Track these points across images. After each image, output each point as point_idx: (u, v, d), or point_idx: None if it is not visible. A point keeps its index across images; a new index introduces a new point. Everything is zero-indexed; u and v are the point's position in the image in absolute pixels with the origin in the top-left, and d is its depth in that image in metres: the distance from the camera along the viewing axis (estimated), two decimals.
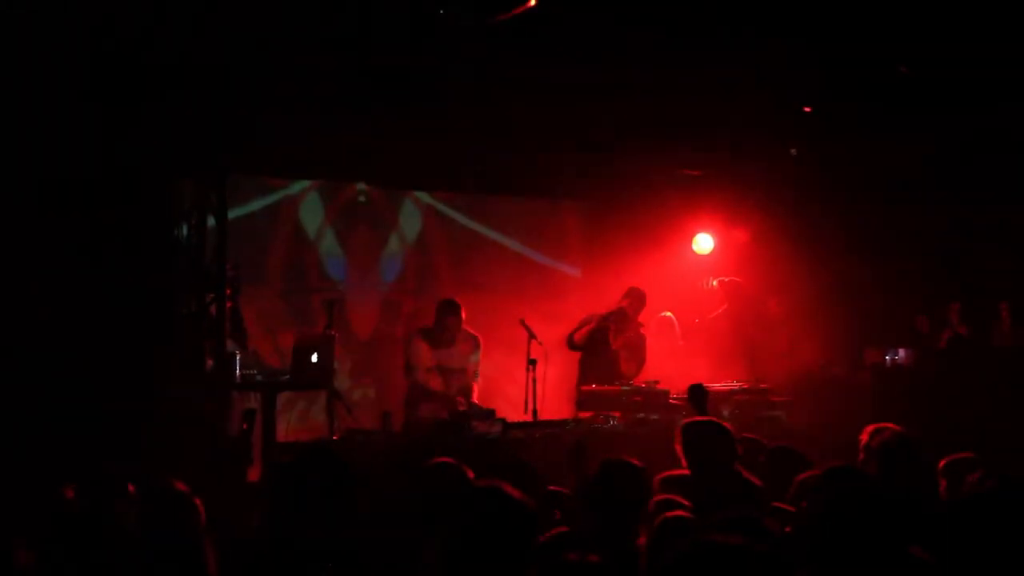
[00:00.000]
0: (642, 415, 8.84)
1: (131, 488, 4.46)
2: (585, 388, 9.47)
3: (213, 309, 7.97)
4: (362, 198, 10.92)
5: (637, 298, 9.95)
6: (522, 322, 9.35)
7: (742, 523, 3.51)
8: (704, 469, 5.24)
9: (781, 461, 5.59)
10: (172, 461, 7.09)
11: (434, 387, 8.93)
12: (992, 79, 8.74)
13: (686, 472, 5.38)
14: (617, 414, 8.82)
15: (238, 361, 8.15)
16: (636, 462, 4.72)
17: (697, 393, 7.06)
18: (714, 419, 5.75)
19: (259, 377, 8.46)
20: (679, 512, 4.25)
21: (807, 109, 9.74)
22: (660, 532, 3.97)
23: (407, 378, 9.03)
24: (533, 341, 9.10)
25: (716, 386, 9.39)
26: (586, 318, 9.94)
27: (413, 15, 7.14)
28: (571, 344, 9.95)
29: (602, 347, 9.77)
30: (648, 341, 10.14)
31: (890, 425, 5.51)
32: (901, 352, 10.68)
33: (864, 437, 5.66)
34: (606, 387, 9.32)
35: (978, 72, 8.62)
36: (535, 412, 8.87)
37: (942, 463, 5.24)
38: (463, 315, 8.98)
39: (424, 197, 11.26)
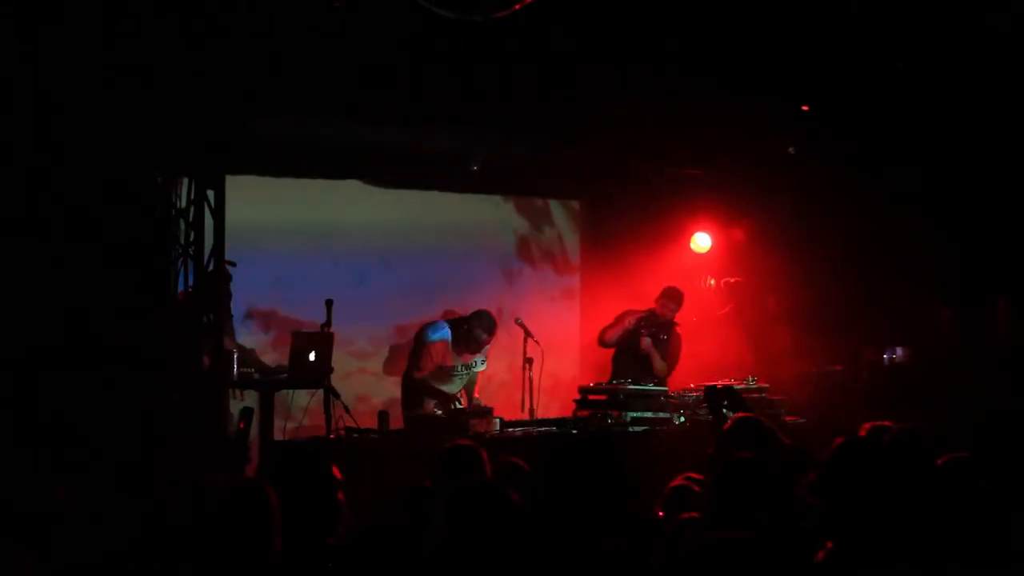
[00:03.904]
0: (640, 414, 8.84)
1: None
2: (583, 386, 9.47)
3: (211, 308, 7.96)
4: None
5: (672, 298, 9.88)
6: (518, 321, 9.37)
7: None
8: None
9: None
10: (169, 460, 7.09)
11: (437, 385, 8.92)
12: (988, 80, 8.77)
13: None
14: (615, 413, 8.82)
15: (236, 359, 8.15)
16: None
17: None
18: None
19: (256, 375, 8.46)
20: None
21: (805, 108, 9.76)
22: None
23: (412, 373, 8.98)
24: (530, 340, 9.11)
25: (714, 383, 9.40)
26: (620, 315, 9.90)
27: (410, 11, 7.13)
28: (602, 341, 9.93)
29: (634, 347, 9.74)
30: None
31: (887, 423, 5.52)
32: (899, 351, 10.69)
33: (862, 435, 5.66)
34: (604, 385, 9.32)
35: (973, 73, 8.64)
36: (532, 411, 8.89)
37: (939, 462, 5.24)
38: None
39: (419, 194, 11.24)
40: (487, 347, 9.10)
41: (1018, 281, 10.16)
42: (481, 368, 9.18)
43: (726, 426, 5.16)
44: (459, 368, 9.00)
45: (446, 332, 9.00)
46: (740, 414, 5.66)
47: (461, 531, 3.45)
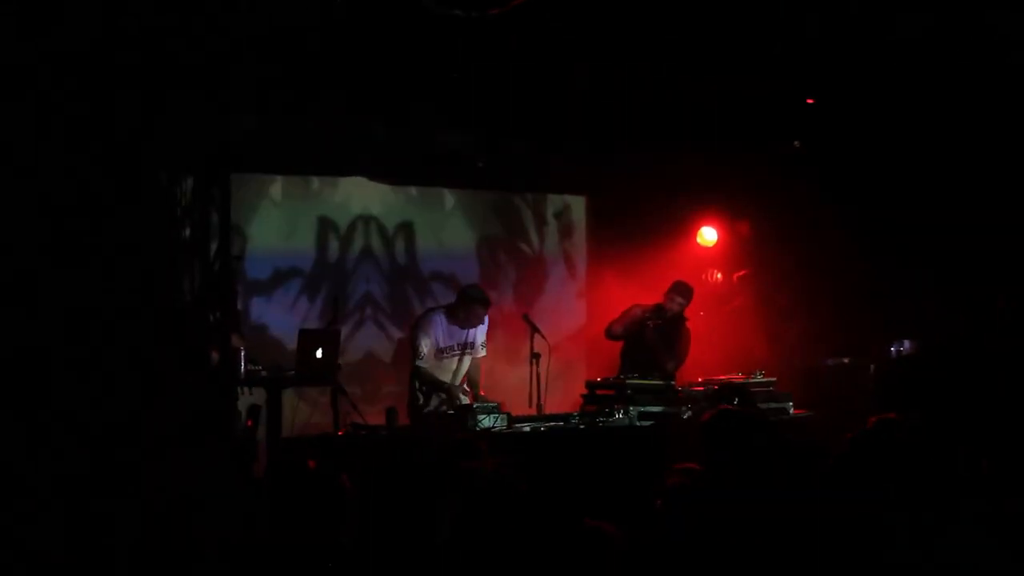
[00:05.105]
0: (647, 409, 8.82)
1: None
2: (590, 381, 9.46)
3: (218, 306, 7.98)
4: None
5: (680, 293, 9.83)
6: (525, 317, 9.36)
7: None
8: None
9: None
10: (177, 458, 7.11)
11: (440, 375, 8.89)
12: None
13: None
14: (622, 408, 8.81)
15: (243, 357, 8.17)
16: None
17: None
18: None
19: (263, 373, 8.47)
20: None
21: (810, 101, 9.76)
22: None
23: (416, 360, 8.90)
24: (537, 335, 9.10)
25: (721, 377, 9.39)
26: (628, 309, 9.88)
27: (415, 9, 7.15)
28: (609, 334, 9.90)
29: (642, 341, 9.72)
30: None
31: (893, 415, 5.50)
32: (907, 343, 10.66)
33: (869, 427, 5.65)
34: (611, 380, 9.31)
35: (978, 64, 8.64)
36: (540, 406, 8.88)
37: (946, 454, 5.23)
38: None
39: (424, 190, 11.25)
40: (484, 324, 9.07)
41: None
42: (482, 354, 9.16)
43: (703, 418, 5.11)
44: (456, 348, 8.98)
45: (440, 312, 9.01)
46: (720, 407, 5.62)
47: (473, 523, 3.47)
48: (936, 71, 8.98)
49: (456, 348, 8.96)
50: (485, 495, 3.54)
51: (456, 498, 3.56)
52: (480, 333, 9.10)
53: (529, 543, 3.34)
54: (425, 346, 8.80)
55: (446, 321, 8.91)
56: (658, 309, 9.76)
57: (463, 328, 8.93)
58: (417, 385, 8.85)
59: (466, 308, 8.89)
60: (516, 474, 3.59)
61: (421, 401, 8.75)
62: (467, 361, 9.05)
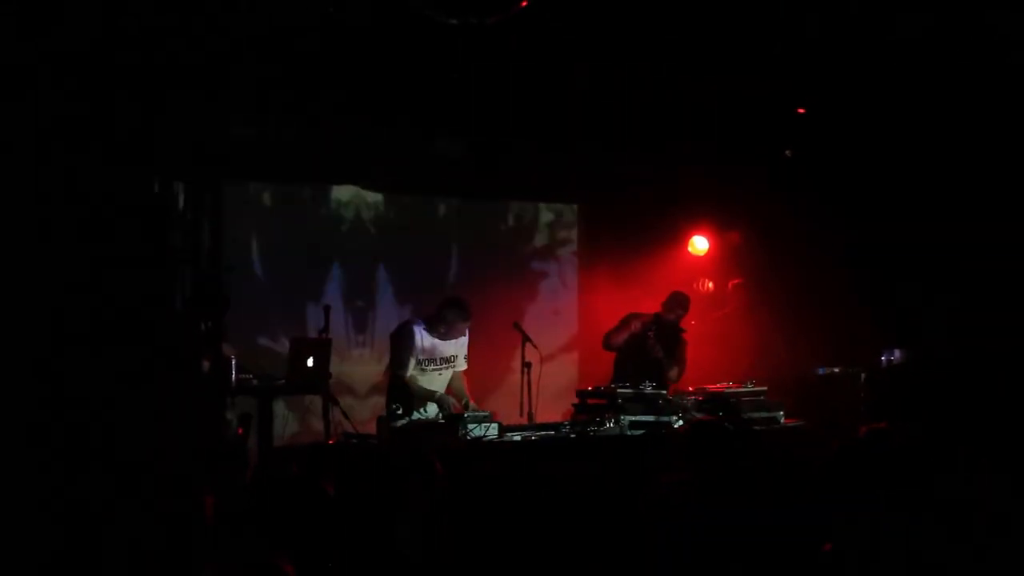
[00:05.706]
0: (638, 417, 8.82)
1: None
2: (581, 390, 9.45)
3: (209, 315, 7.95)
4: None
5: (678, 303, 9.86)
6: (516, 325, 9.35)
7: None
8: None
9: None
10: (168, 466, 7.08)
11: (421, 384, 8.81)
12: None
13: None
14: (613, 416, 8.80)
15: (234, 365, 8.15)
16: None
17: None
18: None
19: (255, 381, 8.45)
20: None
21: (801, 111, 9.78)
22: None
23: (394, 371, 8.83)
24: (528, 344, 9.09)
25: (712, 387, 9.39)
26: (625, 318, 9.88)
27: (406, 16, 7.15)
28: (607, 344, 9.90)
29: (641, 352, 9.71)
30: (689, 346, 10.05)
31: (884, 425, 5.51)
32: (897, 352, 10.68)
33: (859, 437, 5.66)
34: (602, 389, 9.30)
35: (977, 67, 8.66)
36: (531, 415, 8.88)
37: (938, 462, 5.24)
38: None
39: (416, 198, 11.25)
40: (465, 338, 9.00)
41: (1017, 281, 10.16)
42: (463, 367, 9.09)
43: (680, 430, 5.13)
44: (437, 361, 8.90)
45: (419, 323, 8.92)
46: (697, 418, 5.64)
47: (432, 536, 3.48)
48: (936, 72, 8.99)
49: (437, 362, 8.86)
50: (439, 511, 3.53)
51: (417, 511, 3.55)
52: (461, 347, 8.99)
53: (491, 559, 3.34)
54: (405, 357, 8.73)
55: (425, 332, 8.83)
56: (656, 319, 9.79)
57: (443, 340, 8.86)
58: (397, 396, 8.76)
59: (445, 321, 8.81)
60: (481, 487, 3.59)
61: (400, 411, 8.64)
62: (447, 374, 8.97)
